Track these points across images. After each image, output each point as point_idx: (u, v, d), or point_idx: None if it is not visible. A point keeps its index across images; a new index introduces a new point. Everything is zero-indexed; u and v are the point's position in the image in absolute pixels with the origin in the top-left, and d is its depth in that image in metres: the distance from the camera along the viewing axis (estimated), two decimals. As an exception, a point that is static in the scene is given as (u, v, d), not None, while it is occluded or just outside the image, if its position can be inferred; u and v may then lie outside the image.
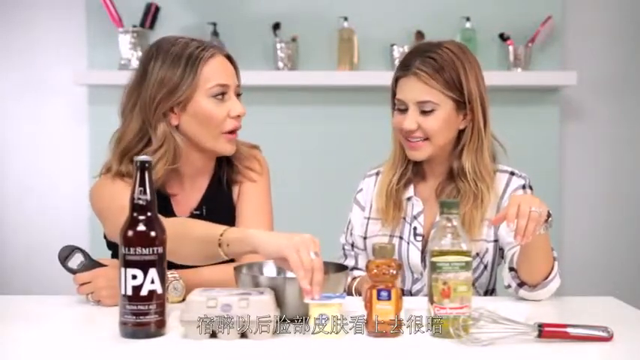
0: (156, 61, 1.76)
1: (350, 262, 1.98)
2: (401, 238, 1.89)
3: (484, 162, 1.84)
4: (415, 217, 1.88)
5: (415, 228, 1.87)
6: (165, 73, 1.74)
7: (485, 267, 1.86)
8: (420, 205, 1.89)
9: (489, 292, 1.91)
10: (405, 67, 1.82)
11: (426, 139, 1.81)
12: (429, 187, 1.91)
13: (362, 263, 1.96)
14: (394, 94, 1.86)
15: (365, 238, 1.95)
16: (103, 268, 1.66)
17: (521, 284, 1.71)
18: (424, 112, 1.80)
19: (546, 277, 1.69)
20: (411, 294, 1.88)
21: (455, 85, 1.79)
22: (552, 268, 1.69)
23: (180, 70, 1.74)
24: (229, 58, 1.82)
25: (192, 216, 1.83)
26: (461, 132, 1.85)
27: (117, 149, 1.81)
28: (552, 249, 1.72)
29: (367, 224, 1.95)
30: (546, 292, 1.70)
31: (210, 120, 1.76)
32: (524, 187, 1.86)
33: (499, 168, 1.89)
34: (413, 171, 1.91)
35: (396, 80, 1.85)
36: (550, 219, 1.60)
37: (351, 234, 1.99)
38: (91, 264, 1.66)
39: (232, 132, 1.79)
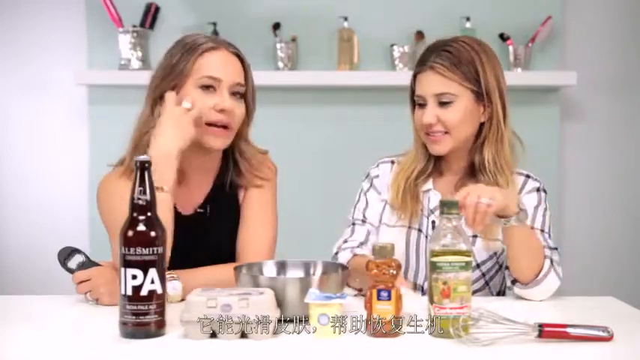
0: (170, 50, 1.81)
1: (359, 237, 1.92)
2: (419, 230, 1.88)
3: (504, 154, 1.84)
4: (432, 211, 1.88)
5: (433, 222, 1.87)
6: (168, 58, 1.79)
7: (500, 267, 1.86)
8: (437, 199, 1.87)
9: (502, 293, 1.91)
10: (421, 63, 1.83)
11: (447, 132, 1.82)
12: (447, 182, 1.90)
13: (373, 240, 1.91)
14: (413, 92, 1.87)
15: (381, 222, 1.92)
16: (101, 266, 1.67)
17: (514, 281, 1.73)
18: (442, 105, 1.80)
19: (537, 275, 1.70)
20: (422, 289, 1.86)
21: (472, 76, 1.80)
22: (543, 266, 1.70)
23: (178, 57, 1.77)
24: (239, 56, 1.82)
25: (197, 214, 1.84)
26: (482, 126, 1.85)
27: (131, 137, 1.83)
28: (547, 247, 1.73)
29: (384, 208, 1.93)
30: (543, 292, 1.71)
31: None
32: (538, 189, 1.87)
33: (516, 170, 1.89)
34: (432, 166, 1.90)
35: (415, 77, 1.86)
36: (520, 213, 1.63)
37: (365, 208, 1.94)
38: (89, 264, 1.67)
39: (217, 126, 1.77)
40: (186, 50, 1.77)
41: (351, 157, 2.15)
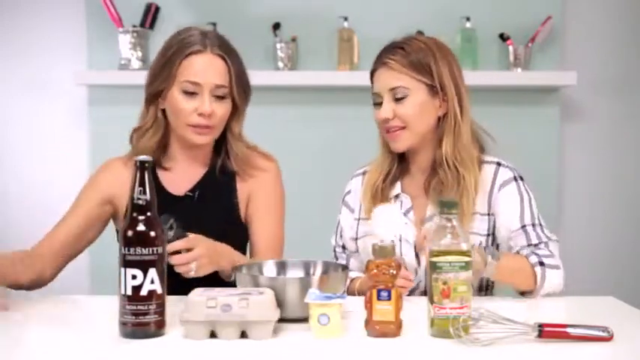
0: (163, 47, 1.90)
1: (341, 262, 1.97)
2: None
3: (463, 146, 1.83)
4: (405, 214, 1.88)
5: (406, 224, 1.87)
6: (157, 61, 1.88)
7: None
8: (408, 201, 1.89)
9: (484, 287, 1.90)
10: (376, 61, 1.88)
11: (404, 127, 1.83)
12: (416, 182, 1.90)
13: (353, 265, 1.97)
14: (372, 91, 1.91)
15: (356, 239, 1.95)
16: (197, 236, 1.67)
17: (522, 293, 1.78)
18: (397, 100, 1.83)
19: (535, 283, 1.73)
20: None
21: (425, 69, 1.81)
22: (536, 275, 1.73)
23: (163, 62, 1.86)
24: (224, 58, 1.85)
25: (186, 197, 1.91)
26: (440, 121, 1.85)
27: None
28: (542, 243, 1.77)
29: (357, 225, 1.95)
30: (549, 291, 1.74)
31: (178, 112, 1.84)
32: (514, 178, 1.85)
33: (485, 159, 1.88)
34: (399, 168, 1.92)
35: (372, 76, 1.91)
36: (487, 265, 1.66)
37: (341, 236, 2.00)
38: (181, 232, 1.63)
39: (198, 126, 1.84)
40: (174, 52, 1.84)
41: (351, 157, 2.15)
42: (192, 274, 1.64)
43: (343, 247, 2.00)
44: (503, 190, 1.83)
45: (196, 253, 1.63)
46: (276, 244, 1.93)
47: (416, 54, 1.82)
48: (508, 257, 1.75)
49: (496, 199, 1.83)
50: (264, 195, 1.94)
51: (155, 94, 1.87)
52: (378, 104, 1.87)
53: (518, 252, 1.79)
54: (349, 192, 2.01)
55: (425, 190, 1.88)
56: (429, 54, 1.82)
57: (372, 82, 1.91)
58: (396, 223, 1.84)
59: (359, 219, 1.95)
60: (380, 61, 1.86)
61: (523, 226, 1.81)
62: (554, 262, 1.75)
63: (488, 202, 1.84)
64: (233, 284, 1.58)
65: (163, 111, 1.89)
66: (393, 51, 1.84)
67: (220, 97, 1.85)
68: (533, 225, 1.81)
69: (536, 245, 1.79)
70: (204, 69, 1.83)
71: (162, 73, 1.85)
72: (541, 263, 1.73)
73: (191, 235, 1.66)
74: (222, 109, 1.85)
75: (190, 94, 1.83)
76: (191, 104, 1.82)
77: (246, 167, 1.93)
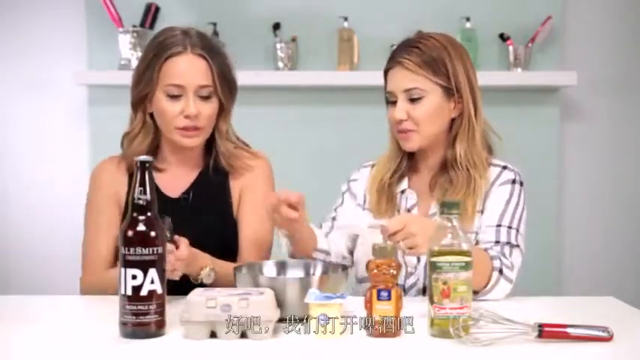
0: (144, 51, 1.91)
1: (326, 225, 1.96)
2: None
3: (476, 149, 1.84)
4: (409, 210, 1.88)
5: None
6: (139, 65, 1.89)
7: None
8: (414, 197, 1.89)
9: None
10: (391, 59, 1.86)
11: (415, 130, 1.82)
12: (423, 180, 1.91)
13: (332, 237, 1.92)
14: (386, 89, 1.89)
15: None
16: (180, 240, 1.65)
17: None
18: (412, 101, 1.81)
19: (485, 286, 1.69)
20: (404, 288, 1.86)
21: (441, 71, 1.80)
22: (491, 278, 1.69)
23: (145, 65, 1.86)
24: (205, 57, 1.84)
25: (181, 199, 1.91)
26: (454, 122, 1.85)
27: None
28: (507, 244, 1.75)
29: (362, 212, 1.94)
30: (492, 298, 1.70)
31: (164, 115, 1.84)
32: (513, 181, 1.86)
33: (493, 162, 1.89)
34: (407, 165, 1.92)
35: (386, 74, 1.88)
36: None
37: (340, 205, 1.98)
38: (170, 235, 1.62)
39: (186, 129, 1.83)
40: (154, 55, 1.84)
41: (350, 157, 2.15)
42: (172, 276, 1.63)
43: (333, 218, 1.97)
44: (498, 189, 1.84)
45: (181, 254, 1.62)
46: (261, 243, 1.90)
47: (433, 54, 1.80)
48: (475, 247, 1.71)
49: (488, 197, 1.84)
50: (251, 193, 1.93)
51: (140, 98, 1.86)
52: (392, 103, 1.85)
53: (485, 249, 1.76)
54: (356, 180, 1.99)
55: (430, 188, 1.88)
56: (445, 55, 1.81)
57: (385, 81, 1.88)
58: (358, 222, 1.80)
59: (363, 208, 1.94)
60: (395, 60, 1.84)
61: (498, 225, 1.80)
62: (510, 276, 1.72)
63: (483, 199, 1.84)
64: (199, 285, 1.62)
65: (152, 114, 1.88)
66: (409, 50, 1.82)
67: (205, 97, 1.84)
68: (509, 227, 1.80)
69: (503, 245, 1.77)
70: (185, 70, 1.82)
71: (145, 77, 1.84)
72: (500, 271, 1.70)
73: (177, 238, 1.64)
74: (209, 109, 1.85)
75: (175, 96, 1.82)
76: (176, 107, 1.82)
77: (235, 166, 1.93)
